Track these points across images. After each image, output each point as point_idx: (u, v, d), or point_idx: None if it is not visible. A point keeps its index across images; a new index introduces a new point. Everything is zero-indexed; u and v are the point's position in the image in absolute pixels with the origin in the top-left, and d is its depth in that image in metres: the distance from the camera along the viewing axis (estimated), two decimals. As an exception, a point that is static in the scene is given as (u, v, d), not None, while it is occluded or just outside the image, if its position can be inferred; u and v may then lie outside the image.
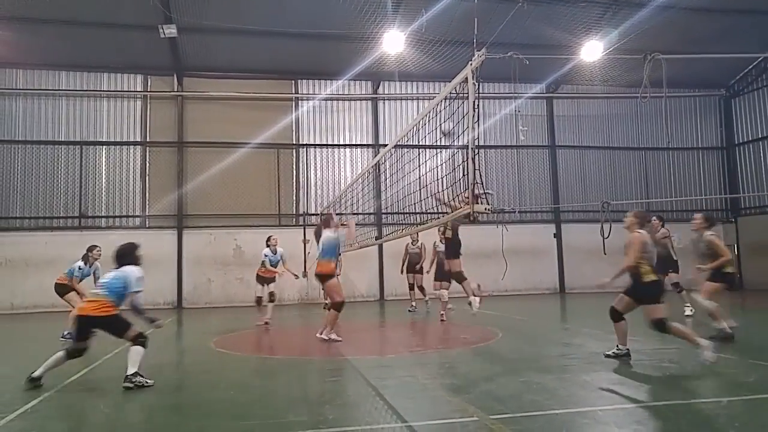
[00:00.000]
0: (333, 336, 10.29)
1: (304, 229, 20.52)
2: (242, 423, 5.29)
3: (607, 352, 7.96)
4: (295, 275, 14.36)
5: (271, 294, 13.30)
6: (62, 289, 11.85)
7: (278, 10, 18.15)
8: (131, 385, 6.77)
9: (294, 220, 21.54)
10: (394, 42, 18.55)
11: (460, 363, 8.28)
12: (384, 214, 21.35)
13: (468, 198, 7.11)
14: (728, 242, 23.79)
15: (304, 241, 20.12)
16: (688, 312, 12.62)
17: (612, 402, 5.79)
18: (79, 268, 11.89)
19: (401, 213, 18.27)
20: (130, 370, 6.86)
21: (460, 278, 10.96)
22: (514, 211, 20.29)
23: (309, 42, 19.74)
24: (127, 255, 7.47)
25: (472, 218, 6.82)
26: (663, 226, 13.13)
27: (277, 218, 21.45)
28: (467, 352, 9.20)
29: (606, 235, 10.48)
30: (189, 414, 5.85)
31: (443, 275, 13.71)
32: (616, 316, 8.06)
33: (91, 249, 12.08)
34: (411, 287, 16.34)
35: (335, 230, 10.64)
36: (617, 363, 7.65)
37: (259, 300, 13.48)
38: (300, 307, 19.42)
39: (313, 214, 21.18)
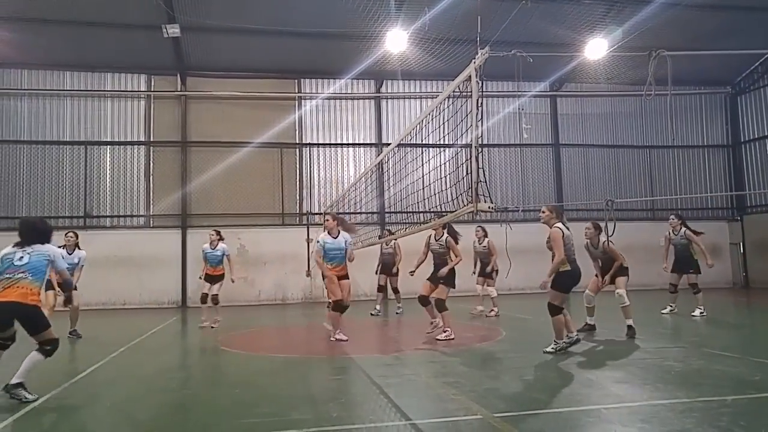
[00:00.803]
0: (338, 336, 10.14)
1: (308, 228, 20.56)
2: (247, 421, 5.29)
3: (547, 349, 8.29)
4: (232, 280, 13.12)
5: (214, 297, 12.75)
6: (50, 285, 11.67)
7: (281, 9, 18.15)
8: (7, 394, 5.98)
9: (297, 219, 21.56)
10: (396, 41, 18.53)
11: (464, 361, 8.27)
12: (387, 213, 21.31)
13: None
14: (734, 240, 23.79)
15: (308, 241, 20.12)
16: (696, 313, 12.53)
17: (616, 400, 5.77)
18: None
19: (404, 212, 18.25)
20: (16, 379, 6.03)
21: (442, 307, 10.14)
22: (518, 210, 20.26)
23: (312, 41, 19.74)
24: (46, 232, 6.67)
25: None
26: (684, 224, 12.91)
27: (281, 217, 21.47)
28: (471, 351, 9.19)
29: (610, 233, 10.47)
30: (194, 412, 5.86)
31: (485, 273, 13.95)
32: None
33: (65, 234, 11.67)
34: (380, 289, 15.63)
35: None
36: (621, 361, 7.64)
37: (204, 297, 12.90)
38: (303, 306, 19.44)
39: (316, 214, 21.16)
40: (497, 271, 14.09)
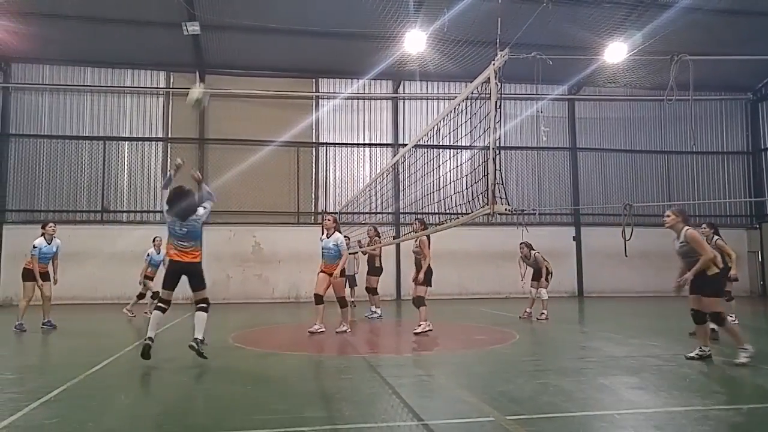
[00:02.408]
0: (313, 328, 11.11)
1: (323, 227, 20.59)
2: (259, 417, 5.31)
3: (690, 354, 7.98)
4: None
5: (49, 297, 12.32)
6: (26, 275, 11.83)
7: (300, 8, 18.22)
8: (196, 346, 7.69)
9: (313, 218, 21.61)
10: (415, 41, 18.53)
11: (477, 363, 8.25)
12: (402, 213, 21.32)
13: None
14: (752, 248, 23.56)
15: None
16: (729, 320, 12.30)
17: (630, 406, 5.73)
18: (34, 247, 11.73)
19: (420, 213, 18.23)
20: (199, 335, 7.82)
21: (421, 303, 10.96)
22: (534, 213, 20.21)
23: (331, 41, 19.80)
24: (189, 200, 7.99)
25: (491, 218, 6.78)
26: (717, 233, 12.43)
27: (296, 216, 21.54)
28: (484, 353, 9.17)
29: (628, 237, 10.37)
30: (206, 407, 5.90)
31: (538, 277, 14.18)
32: (700, 317, 7.99)
33: (44, 225, 12.03)
34: (375, 291, 15.19)
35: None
36: (636, 367, 7.59)
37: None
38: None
39: (331, 213, 21.18)
40: (551, 273, 14.28)
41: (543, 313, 13.73)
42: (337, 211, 20.44)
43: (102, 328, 12.03)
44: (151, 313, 12.88)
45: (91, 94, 21.28)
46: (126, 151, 21.34)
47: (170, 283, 8.04)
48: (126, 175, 21.19)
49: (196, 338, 7.76)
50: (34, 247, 11.78)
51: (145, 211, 21.05)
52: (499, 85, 6.81)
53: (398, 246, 20.77)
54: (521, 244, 14.35)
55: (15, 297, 19.37)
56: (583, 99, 23.57)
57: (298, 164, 21.82)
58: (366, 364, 8.05)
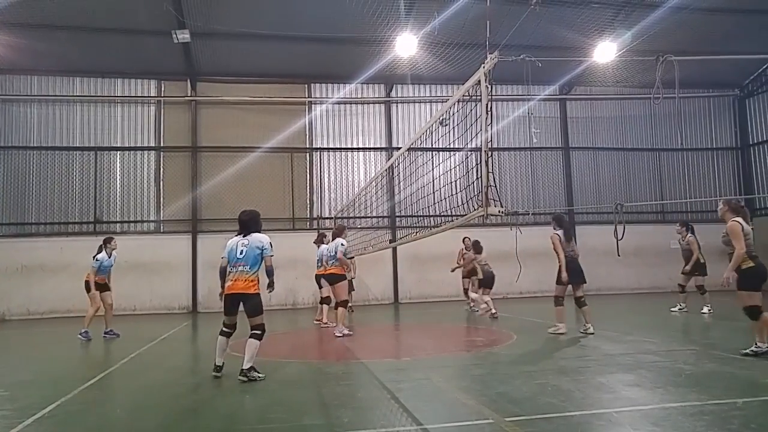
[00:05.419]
0: (345, 331, 11.50)
1: (318, 232, 20.59)
2: (258, 426, 5.32)
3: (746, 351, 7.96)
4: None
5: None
6: (89, 286, 12.34)
7: (291, 14, 18.22)
8: (245, 378, 7.30)
9: (308, 223, 21.59)
10: (406, 45, 18.57)
11: (475, 365, 8.27)
12: (398, 217, 21.34)
13: None
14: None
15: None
16: (705, 311, 13.43)
17: (627, 404, 5.77)
18: (96, 259, 12.33)
19: (415, 216, 18.27)
20: (246, 365, 7.36)
21: (556, 303, 11.69)
22: (528, 213, 20.26)
23: (322, 45, 19.78)
24: (255, 221, 7.90)
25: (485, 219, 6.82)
26: (690, 231, 13.80)
27: (291, 222, 21.50)
28: (482, 355, 9.19)
29: (620, 236, 10.43)
30: (205, 417, 5.88)
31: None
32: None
33: (109, 240, 12.63)
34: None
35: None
36: (632, 364, 7.63)
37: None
38: (314, 311, 19.41)
39: (326, 218, 21.21)
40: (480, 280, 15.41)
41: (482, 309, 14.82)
42: (333, 216, 20.47)
43: (97, 341, 12.00)
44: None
45: (81, 104, 21.15)
46: (118, 160, 21.23)
47: (231, 311, 7.75)
48: (119, 185, 21.09)
49: (242, 369, 7.39)
50: (97, 260, 12.32)
51: (138, 221, 20.97)
52: (490, 88, 6.86)
53: (395, 250, 20.79)
54: (465, 238, 15.51)
55: (8, 311, 19.33)
56: (573, 98, 23.64)
57: (292, 170, 21.78)
58: (365, 369, 8.07)
